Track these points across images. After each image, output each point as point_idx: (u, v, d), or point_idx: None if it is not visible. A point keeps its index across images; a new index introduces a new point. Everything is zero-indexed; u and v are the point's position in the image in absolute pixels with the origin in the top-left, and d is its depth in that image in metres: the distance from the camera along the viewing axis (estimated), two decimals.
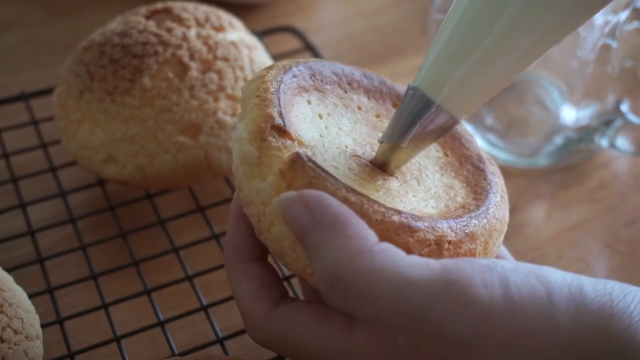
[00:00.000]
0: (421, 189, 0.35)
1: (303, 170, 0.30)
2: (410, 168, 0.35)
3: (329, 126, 0.35)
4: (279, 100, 0.33)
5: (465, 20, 0.31)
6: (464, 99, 0.32)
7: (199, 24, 0.45)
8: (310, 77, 0.36)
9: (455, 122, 0.33)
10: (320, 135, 0.34)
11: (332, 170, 0.32)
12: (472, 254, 0.32)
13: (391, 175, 0.34)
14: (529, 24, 0.30)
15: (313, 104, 0.35)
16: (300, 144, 0.32)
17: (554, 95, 0.52)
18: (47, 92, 0.52)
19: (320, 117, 0.35)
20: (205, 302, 0.40)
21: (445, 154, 0.37)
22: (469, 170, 0.36)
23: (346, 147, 0.34)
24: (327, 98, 0.36)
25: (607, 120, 0.47)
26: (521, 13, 0.30)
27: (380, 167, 0.34)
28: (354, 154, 0.34)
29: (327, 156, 0.33)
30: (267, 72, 0.35)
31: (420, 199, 0.34)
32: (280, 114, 0.32)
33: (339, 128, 0.35)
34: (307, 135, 0.33)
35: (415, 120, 0.32)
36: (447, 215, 0.33)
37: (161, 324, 0.39)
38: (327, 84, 0.36)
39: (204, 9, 0.47)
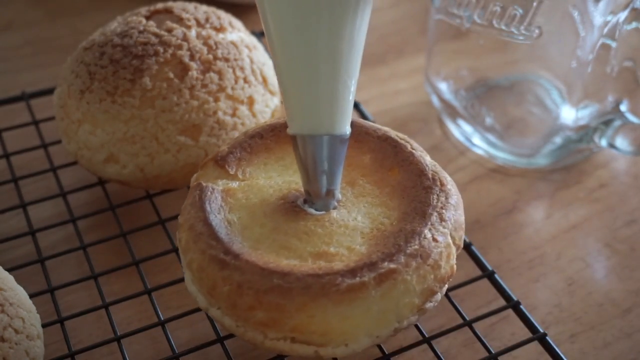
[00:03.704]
0: (351, 220, 0.35)
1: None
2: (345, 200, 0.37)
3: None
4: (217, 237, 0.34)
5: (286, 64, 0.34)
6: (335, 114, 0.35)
7: (199, 24, 0.45)
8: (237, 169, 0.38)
9: (344, 136, 0.35)
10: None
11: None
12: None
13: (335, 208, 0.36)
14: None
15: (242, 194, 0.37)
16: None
17: (553, 95, 0.52)
18: (48, 92, 0.52)
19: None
20: None
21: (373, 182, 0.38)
22: (405, 186, 0.37)
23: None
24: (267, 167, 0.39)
25: (607, 120, 0.47)
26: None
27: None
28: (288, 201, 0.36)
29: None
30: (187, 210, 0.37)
31: (349, 233, 0.35)
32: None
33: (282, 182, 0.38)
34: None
35: (319, 164, 0.35)
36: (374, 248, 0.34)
37: (161, 324, 0.39)
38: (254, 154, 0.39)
39: (204, 9, 0.47)
